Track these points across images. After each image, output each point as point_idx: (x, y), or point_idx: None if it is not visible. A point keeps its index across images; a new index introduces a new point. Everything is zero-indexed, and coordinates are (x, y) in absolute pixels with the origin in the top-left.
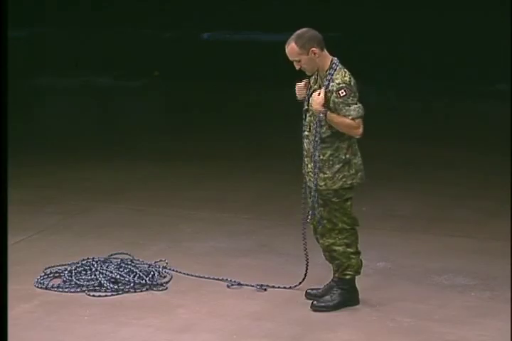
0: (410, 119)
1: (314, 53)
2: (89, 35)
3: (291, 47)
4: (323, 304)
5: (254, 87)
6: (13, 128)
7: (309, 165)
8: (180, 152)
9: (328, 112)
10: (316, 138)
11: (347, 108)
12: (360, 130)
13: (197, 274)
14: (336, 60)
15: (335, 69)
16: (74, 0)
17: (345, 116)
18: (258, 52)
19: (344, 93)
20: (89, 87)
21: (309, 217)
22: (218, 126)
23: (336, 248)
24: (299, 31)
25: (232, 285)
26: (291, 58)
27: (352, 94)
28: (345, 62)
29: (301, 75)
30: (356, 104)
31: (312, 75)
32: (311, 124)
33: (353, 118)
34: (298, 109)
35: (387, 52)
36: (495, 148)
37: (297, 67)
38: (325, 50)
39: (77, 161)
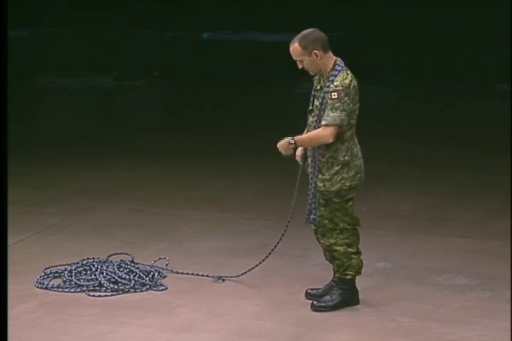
0: (410, 119)
1: (317, 56)
2: (89, 35)
3: (295, 48)
4: (323, 304)
5: (253, 87)
6: (13, 128)
7: (311, 166)
8: (180, 152)
9: (296, 139)
10: None
11: (328, 112)
12: (329, 137)
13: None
14: (339, 61)
15: (338, 71)
16: (74, 0)
17: (322, 119)
18: (258, 52)
19: (336, 96)
20: (90, 87)
21: (312, 217)
22: (218, 126)
23: (337, 248)
24: (304, 31)
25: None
26: (294, 58)
27: (343, 99)
28: (346, 62)
29: (303, 74)
30: (342, 111)
31: (315, 75)
32: (313, 125)
33: (325, 125)
34: (298, 109)
35: (387, 52)
36: (495, 148)
37: (300, 67)
38: (329, 52)
39: (77, 161)
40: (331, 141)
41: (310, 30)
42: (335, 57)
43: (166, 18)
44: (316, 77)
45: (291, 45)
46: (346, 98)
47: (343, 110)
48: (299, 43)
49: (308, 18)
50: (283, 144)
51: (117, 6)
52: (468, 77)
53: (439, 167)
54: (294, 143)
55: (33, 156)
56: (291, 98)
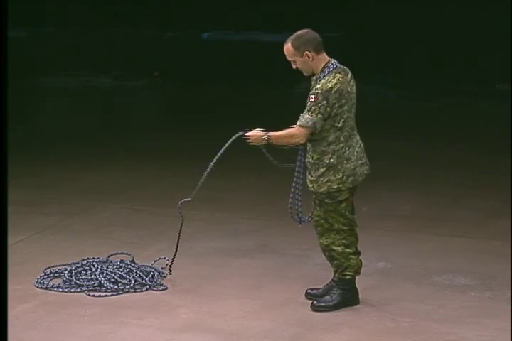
0: (410, 119)
1: (308, 57)
2: (89, 35)
3: (287, 48)
4: (323, 304)
5: (253, 87)
6: (13, 128)
7: (301, 166)
8: (180, 152)
9: (270, 136)
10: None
11: (304, 113)
12: (300, 139)
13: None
14: (331, 63)
15: (325, 74)
16: (74, 0)
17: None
18: (258, 52)
19: (313, 99)
20: (90, 87)
21: (297, 215)
22: (218, 126)
23: (335, 248)
24: (298, 32)
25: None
26: (287, 58)
27: (320, 103)
28: (346, 62)
29: (298, 75)
30: (317, 114)
31: (311, 76)
32: None
33: (299, 126)
34: (297, 109)
35: (387, 52)
36: (495, 148)
37: (294, 67)
38: (322, 53)
39: (77, 161)
40: (302, 142)
41: (304, 30)
42: (328, 59)
43: (166, 18)
44: (314, 78)
45: (284, 45)
46: (324, 102)
47: (319, 113)
48: (292, 44)
49: (308, 18)
50: (256, 136)
51: (117, 6)
52: (468, 77)
53: (439, 167)
54: (267, 138)
55: (33, 156)
56: (291, 98)
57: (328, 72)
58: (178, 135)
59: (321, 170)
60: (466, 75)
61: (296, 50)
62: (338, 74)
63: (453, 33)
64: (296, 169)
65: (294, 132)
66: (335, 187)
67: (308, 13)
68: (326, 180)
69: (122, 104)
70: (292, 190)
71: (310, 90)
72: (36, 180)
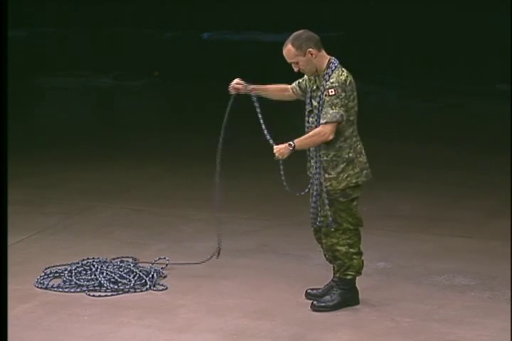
0: (410, 119)
1: (311, 54)
2: (89, 35)
3: (288, 49)
4: (323, 304)
5: None
6: (13, 128)
7: (314, 167)
8: (180, 152)
9: (295, 142)
10: None
11: (327, 109)
12: (329, 135)
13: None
14: (334, 59)
15: (332, 69)
16: (74, 0)
17: (321, 117)
18: (258, 52)
19: (333, 92)
20: (89, 87)
21: (318, 220)
22: (218, 126)
23: (339, 248)
24: (295, 33)
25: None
26: (288, 60)
27: (341, 95)
28: (346, 62)
29: (300, 76)
30: (340, 107)
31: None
32: (314, 125)
33: (325, 123)
34: (298, 109)
35: (387, 52)
36: (495, 148)
37: (296, 70)
38: (322, 51)
39: (77, 161)
40: (331, 138)
41: (300, 31)
42: (329, 56)
43: (166, 18)
44: (312, 78)
45: (284, 47)
46: (343, 94)
47: (342, 106)
48: (292, 44)
49: (308, 18)
50: (282, 148)
51: (117, 6)
52: (468, 77)
53: (439, 167)
54: (294, 146)
55: (33, 156)
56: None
57: (335, 67)
58: (178, 135)
59: (341, 165)
60: (466, 75)
61: (298, 50)
62: (344, 69)
63: (453, 33)
64: (315, 171)
65: (321, 130)
66: (354, 181)
67: (308, 13)
68: (346, 175)
69: (122, 104)
70: (314, 193)
71: (314, 88)
72: (36, 180)
